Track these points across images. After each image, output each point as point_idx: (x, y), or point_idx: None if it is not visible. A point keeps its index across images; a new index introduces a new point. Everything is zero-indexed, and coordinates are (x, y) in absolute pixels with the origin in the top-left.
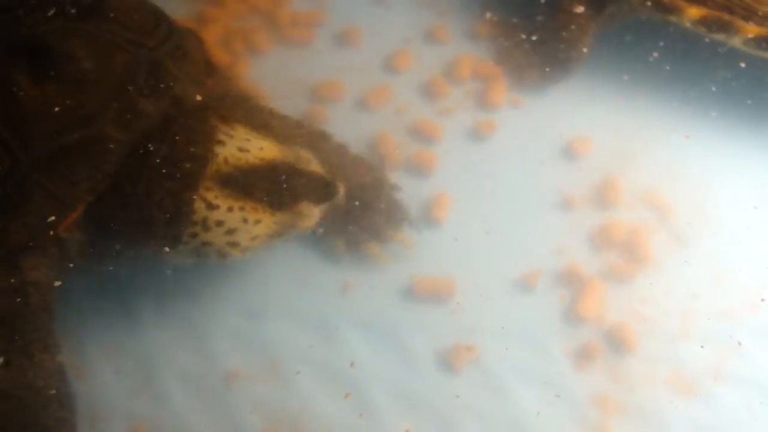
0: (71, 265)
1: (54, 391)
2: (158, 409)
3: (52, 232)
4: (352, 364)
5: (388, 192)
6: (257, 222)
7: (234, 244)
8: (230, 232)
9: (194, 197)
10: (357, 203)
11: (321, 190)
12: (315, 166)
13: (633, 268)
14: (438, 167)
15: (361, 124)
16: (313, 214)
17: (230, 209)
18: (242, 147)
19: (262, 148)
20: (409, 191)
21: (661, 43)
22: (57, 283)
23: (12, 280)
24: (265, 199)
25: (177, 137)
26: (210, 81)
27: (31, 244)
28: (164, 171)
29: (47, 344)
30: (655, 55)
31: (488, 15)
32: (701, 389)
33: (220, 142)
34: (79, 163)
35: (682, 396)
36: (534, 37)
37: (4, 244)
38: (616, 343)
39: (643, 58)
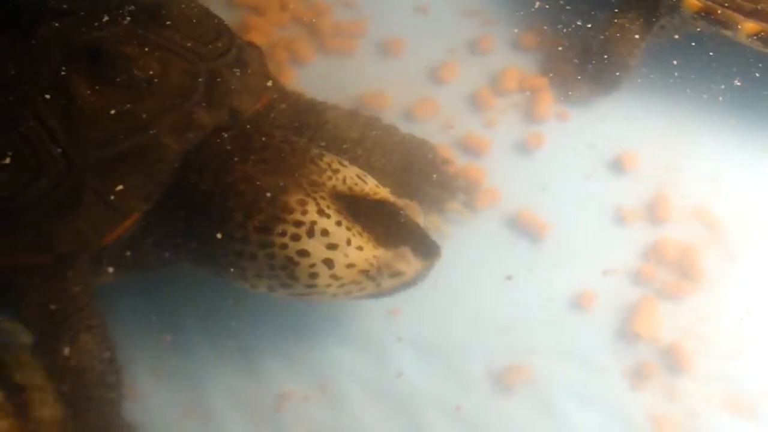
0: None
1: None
2: (209, 430)
3: (102, 240)
4: (402, 383)
5: (441, 166)
6: (359, 249)
7: (329, 264)
8: (332, 247)
9: (303, 197)
10: (413, 178)
11: (426, 246)
12: (422, 220)
13: (686, 286)
14: (485, 180)
15: None
16: (411, 264)
17: (339, 223)
18: (361, 176)
19: (378, 186)
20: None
21: (712, 54)
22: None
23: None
24: (371, 230)
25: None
26: (268, 94)
27: (80, 250)
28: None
29: (90, 325)
30: (706, 68)
31: (534, 25)
32: (758, 408)
33: (343, 164)
34: (133, 171)
35: (739, 415)
36: (582, 49)
37: (54, 248)
38: (671, 361)
39: (693, 72)
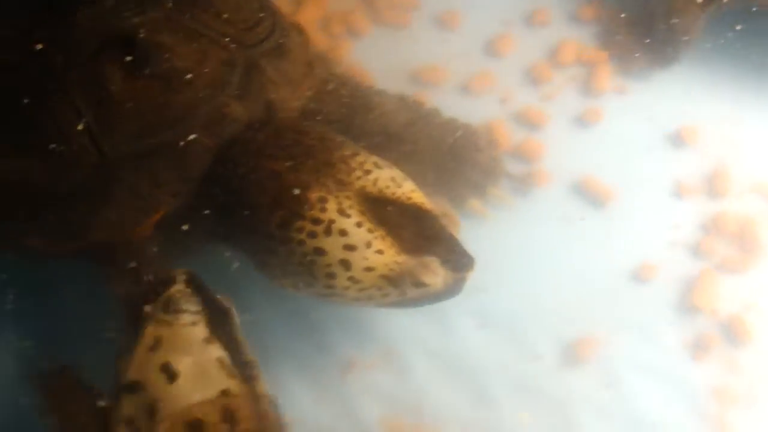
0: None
1: None
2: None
3: (132, 233)
4: (466, 353)
5: (487, 149)
6: (379, 252)
7: (346, 265)
8: (349, 248)
9: (324, 194)
10: (456, 160)
11: (457, 259)
12: (457, 230)
13: (745, 259)
14: (544, 155)
15: (465, 109)
16: (437, 274)
17: (359, 225)
18: (395, 179)
19: (413, 191)
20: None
21: None
22: None
23: None
24: (396, 235)
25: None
26: (308, 83)
27: (111, 241)
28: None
29: None
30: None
31: None
32: None
33: (378, 166)
34: (164, 165)
35: None
36: (641, 21)
37: (84, 240)
38: (732, 334)
39: (753, 46)
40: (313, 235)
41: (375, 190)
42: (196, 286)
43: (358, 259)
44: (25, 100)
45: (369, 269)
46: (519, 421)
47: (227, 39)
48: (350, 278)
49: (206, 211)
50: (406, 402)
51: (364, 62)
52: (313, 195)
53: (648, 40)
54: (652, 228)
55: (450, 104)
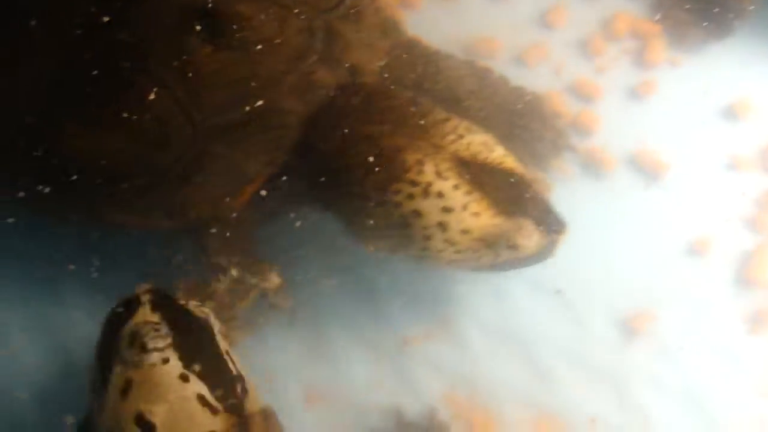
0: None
1: None
2: (333, 372)
3: (230, 206)
4: (523, 324)
5: (551, 119)
6: (476, 215)
7: (443, 227)
8: (446, 210)
9: (421, 157)
10: (522, 129)
11: (551, 222)
12: (548, 193)
13: None
14: (600, 127)
15: (518, 81)
16: (532, 237)
17: (456, 187)
18: (487, 144)
19: (505, 155)
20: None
21: None
22: None
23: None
24: (492, 198)
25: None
26: (383, 47)
27: (210, 216)
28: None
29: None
30: None
31: None
32: None
33: (470, 130)
34: (257, 136)
35: None
36: None
37: (185, 216)
38: None
39: None
40: (410, 197)
41: (468, 155)
42: (163, 304)
43: (454, 221)
44: (110, 79)
45: (465, 231)
46: (574, 393)
47: (304, 6)
48: (446, 240)
49: (298, 177)
50: (464, 374)
51: (418, 35)
52: (411, 158)
53: (703, 12)
54: (707, 201)
55: (505, 75)
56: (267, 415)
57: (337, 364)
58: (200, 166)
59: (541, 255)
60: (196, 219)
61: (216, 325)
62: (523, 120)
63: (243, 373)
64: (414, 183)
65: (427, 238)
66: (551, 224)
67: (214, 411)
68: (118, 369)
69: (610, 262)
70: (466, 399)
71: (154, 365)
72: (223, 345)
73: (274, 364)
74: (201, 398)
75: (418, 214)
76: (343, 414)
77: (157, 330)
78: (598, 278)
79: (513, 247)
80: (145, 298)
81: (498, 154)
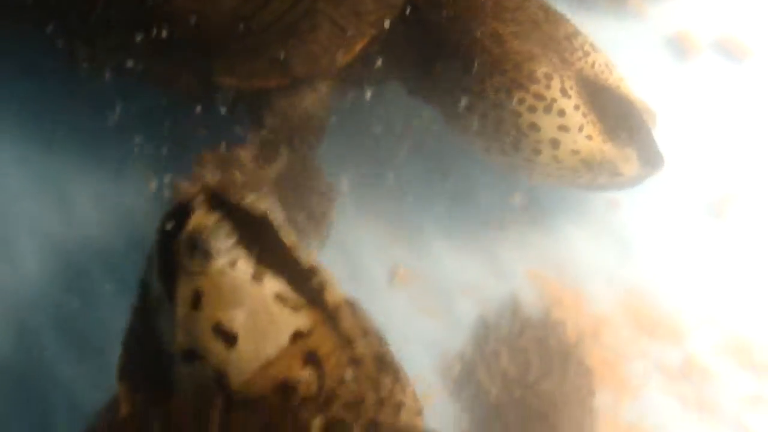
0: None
1: None
2: (418, 258)
3: (335, 63)
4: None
5: None
6: (588, 137)
7: (555, 144)
8: (563, 129)
9: (549, 71)
10: None
11: (652, 155)
12: (655, 126)
13: None
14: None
15: None
16: (633, 168)
17: (576, 107)
18: (608, 65)
19: (621, 79)
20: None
21: None
22: None
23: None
24: (606, 123)
25: None
26: None
27: (315, 73)
28: None
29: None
30: None
31: None
32: None
33: (594, 48)
34: None
35: None
36: None
37: (290, 72)
38: None
39: None
40: (532, 109)
41: (591, 74)
42: (217, 204)
43: (567, 141)
44: None
45: (575, 152)
46: (659, 274)
47: None
48: (554, 157)
49: (397, 60)
50: (551, 257)
51: None
52: (540, 70)
53: None
54: None
55: None
56: (353, 305)
57: (423, 249)
58: (307, 24)
59: (632, 183)
60: (300, 75)
61: (277, 218)
62: None
63: (317, 264)
64: (539, 97)
65: (536, 152)
66: (652, 159)
67: (295, 308)
68: (182, 283)
69: (695, 146)
70: (555, 280)
71: (222, 270)
72: (290, 238)
73: (355, 244)
74: (279, 297)
75: (535, 127)
76: (431, 295)
77: (217, 232)
78: (686, 162)
79: (614, 174)
80: (198, 200)
81: (616, 76)
